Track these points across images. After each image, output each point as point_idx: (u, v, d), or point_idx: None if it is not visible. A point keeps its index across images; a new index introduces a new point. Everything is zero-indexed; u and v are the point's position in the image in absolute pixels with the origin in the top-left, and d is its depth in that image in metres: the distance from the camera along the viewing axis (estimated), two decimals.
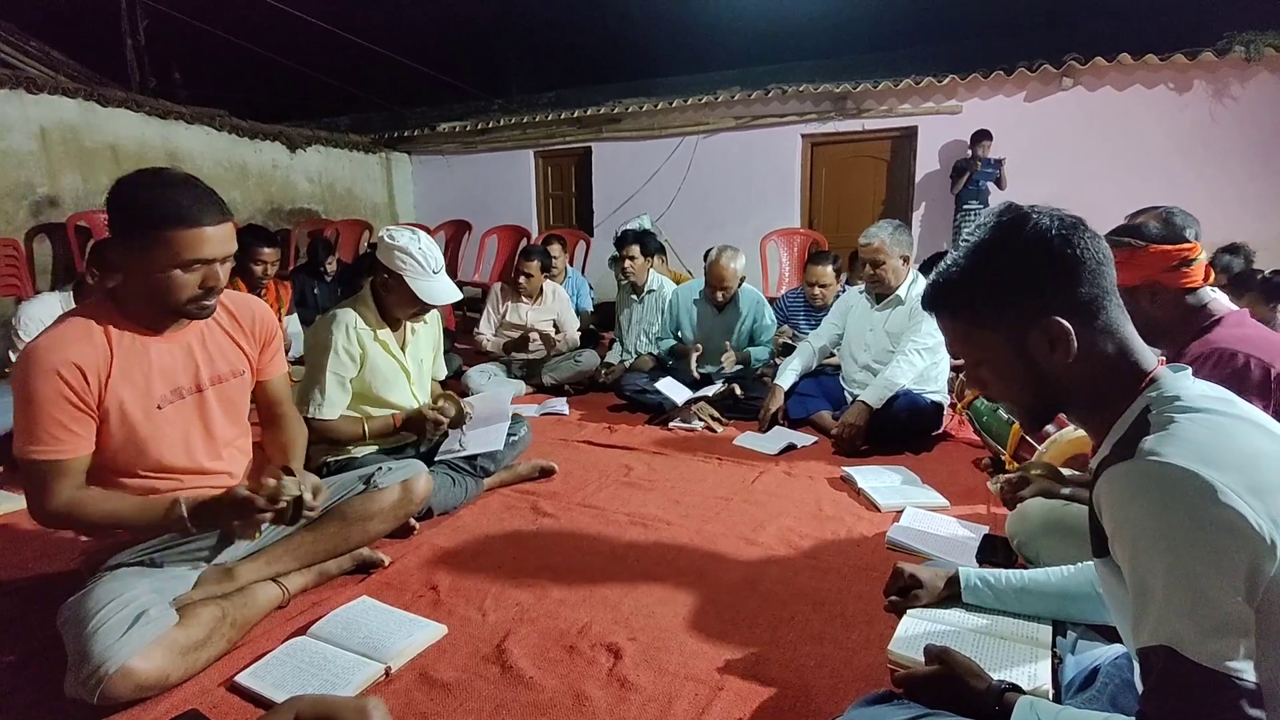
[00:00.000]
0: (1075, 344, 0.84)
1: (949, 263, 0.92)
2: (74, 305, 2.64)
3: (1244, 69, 5.40)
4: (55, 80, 5.46)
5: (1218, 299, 1.61)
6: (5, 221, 4.93)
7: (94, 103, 5.47)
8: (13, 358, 2.57)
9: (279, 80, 10.07)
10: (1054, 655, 1.15)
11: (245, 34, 8.87)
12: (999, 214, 0.89)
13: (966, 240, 0.91)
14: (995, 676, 0.97)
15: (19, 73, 5.36)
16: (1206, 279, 1.61)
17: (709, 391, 3.42)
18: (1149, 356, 0.88)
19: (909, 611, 1.28)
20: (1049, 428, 2.37)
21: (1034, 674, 1.08)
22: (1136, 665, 0.93)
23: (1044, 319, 0.84)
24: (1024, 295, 0.86)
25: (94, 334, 1.40)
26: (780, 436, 3.04)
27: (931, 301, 0.94)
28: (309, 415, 2.06)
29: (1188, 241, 1.56)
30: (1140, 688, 0.91)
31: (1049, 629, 1.18)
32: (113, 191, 1.36)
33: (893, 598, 1.35)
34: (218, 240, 1.39)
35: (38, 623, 1.58)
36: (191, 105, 6.50)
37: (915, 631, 1.23)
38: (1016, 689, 0.92)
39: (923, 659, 1.04)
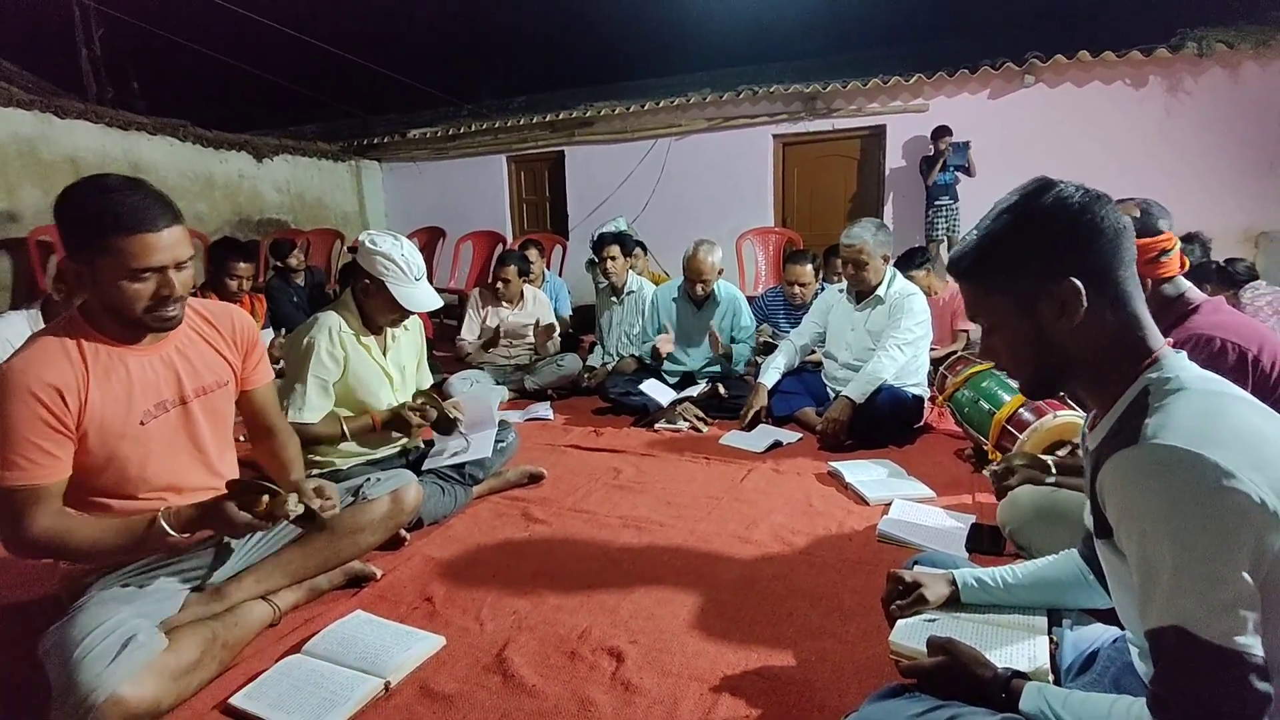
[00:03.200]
0: (1084, 308, 0.85)
1: (974, 228, 0.94)
2: (43, 323, 2.57)
3: (1196, 65, 5.58)
4: (9, 92, 5.28)
5: (1193, 287, 1.66)
6: None
7: (51, 115, 5.31)
8: None
9: (243, 88, 9.87)
10: (1051, 640, 1.17)
11: (205, 41, 8.67)
12: (1028, 183, 0.91)
13: (995, 207, 0.93)
14: (995, 659, 0.99)
15: None
16: (1181, 268, 1.66)
17: (693, 392, 3.43)
18: (1156, 336, 0.89)
19: None
20: (1028, 416, 2.43)
21: (1033, 655, 1.10)
22: (1135, 649, 0.95)
23: (1055, 282, 0.86)
24: (1038, 257, 0.87)
25: (69, 352, 1.35)
26: (766, 434, 3.06)
27: (955, 266, 0.96)
28: (288, 419, 2.02)
29: (1162, 233, 1.61)
30: (1141, 668, 0.93)
31: (1044, 617, 1.20)
32: (57, 202, 1.31)
33: (896, 604, 1.26)
34: (165, 246, 1.31)
35: (18, 653, 1.52)
36: (152, 115, 6.34)
37: (913, 622, 1.24)
38: (1021, 675, 0.94)
39: (923, 649, 1.06)
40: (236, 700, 1.35)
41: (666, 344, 3.68)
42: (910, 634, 1.19)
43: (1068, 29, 6.90)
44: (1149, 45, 5.64)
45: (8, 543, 1.34)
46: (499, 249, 6.93)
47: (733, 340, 3.75)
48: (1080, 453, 2.01)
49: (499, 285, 4.08)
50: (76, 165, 5.44)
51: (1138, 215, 1.52)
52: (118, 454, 1.40)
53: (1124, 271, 0.87)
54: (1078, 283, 0.85)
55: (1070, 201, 0.87)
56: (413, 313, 2.22)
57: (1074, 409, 2.39)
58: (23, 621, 1.65)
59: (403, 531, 2.03)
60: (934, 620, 1.22)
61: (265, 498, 1.38)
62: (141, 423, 1.43)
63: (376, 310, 2.19)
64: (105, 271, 1.30)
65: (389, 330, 2.29)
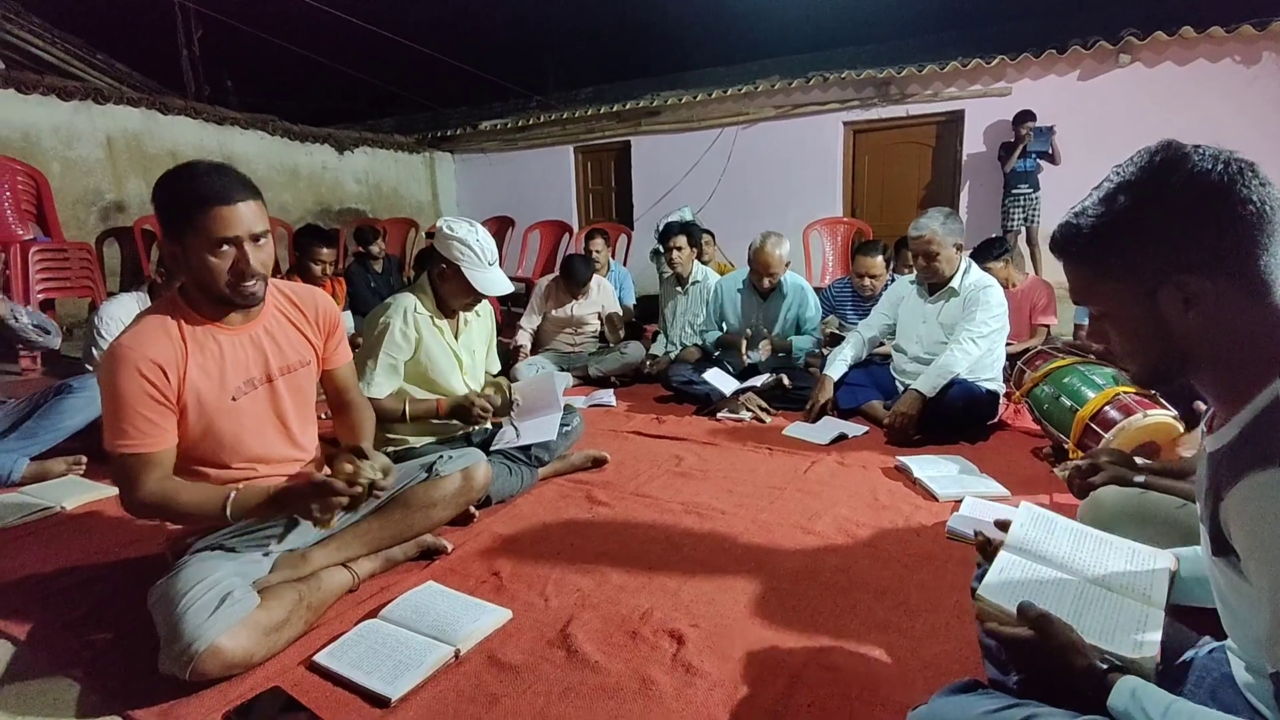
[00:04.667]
0: (1213, 305, 0.75)
1: (1085, 202, 0.82)
2: (149, 304, 2.77)
3: None
4: (120, 91, 5.71)
5: None
6: (77, 227, 5.18)
7: (155, 111, 5.72)
8: (96, 355, 2.70)
9: (325, 84, 10.34)
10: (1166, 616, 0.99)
11: (292, 40, 9.12)
12: (1152, 151, 0.78)
13: (1111, 180, 0.81)
14: (1097, 633, 0.89)
15: (87, 85, 5.62)
16: None
17: (756, 382, 3.40)
18: None
19: (1003, 551, 1.12)
20: (1115, 414, 2.30)
21: (1140, 642, 0.92)
22: (1240, 661, 0.87)
23: (1181, 276, 0.75)
24: (1161, 246, 0.76)
25: (170, 330, 1.46)
26: (831, 426, 3.01)
27: (1058, 245, 0.85)
28: None
29: None
30: (1244, 679, 0.86)
31: (1165, 584, 1.02)
32: (153, 191, 1.42)
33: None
34: (237, 217, 1.38)
35: (128, 604, 1.67)
36: (244, 111, 6.73)
37: (1011, 577, 1.08)
38: (1119, 670, 0.84)
39: (1013, 609, 0.94)
40: (320, 658, 1.43)
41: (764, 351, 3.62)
42: (1003, 591, 1.04)
43: (1168, 3, 6.43)
44: (1263, 19, 5.20)
45: (124, 503, 1.46)
46: (566, 239, 7.04)
47: (798, 331, 3.70)
48: (1177, 458, 1.87)
49: (580, 296, 4.20)
50: (176, 158, 5.82)
51: None
52: (213, 427, 1.51)
53: (1268, 258, 0.73)
54: (1207, 283, 0.74)
55: (1208, 180, 0.73)
56: (485, 296, 2.29)
57: (1166, 408, 2.25)
58: (133, 576, 1.80)
59: (472, 509, 2.10)
60: (1035, 580, 1.06)
61: (347, 465, 1.47)
62: (233, 399, 1.53)
63: (451, 294, 2.27)
64: (192, 248, 1.39)
65: (462, 315, 2.37)
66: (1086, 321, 0.97)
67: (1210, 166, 0.74)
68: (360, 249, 5.22)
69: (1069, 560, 1.10)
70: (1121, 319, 0.83)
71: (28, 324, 2.78)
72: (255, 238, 1.43)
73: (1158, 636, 0.92)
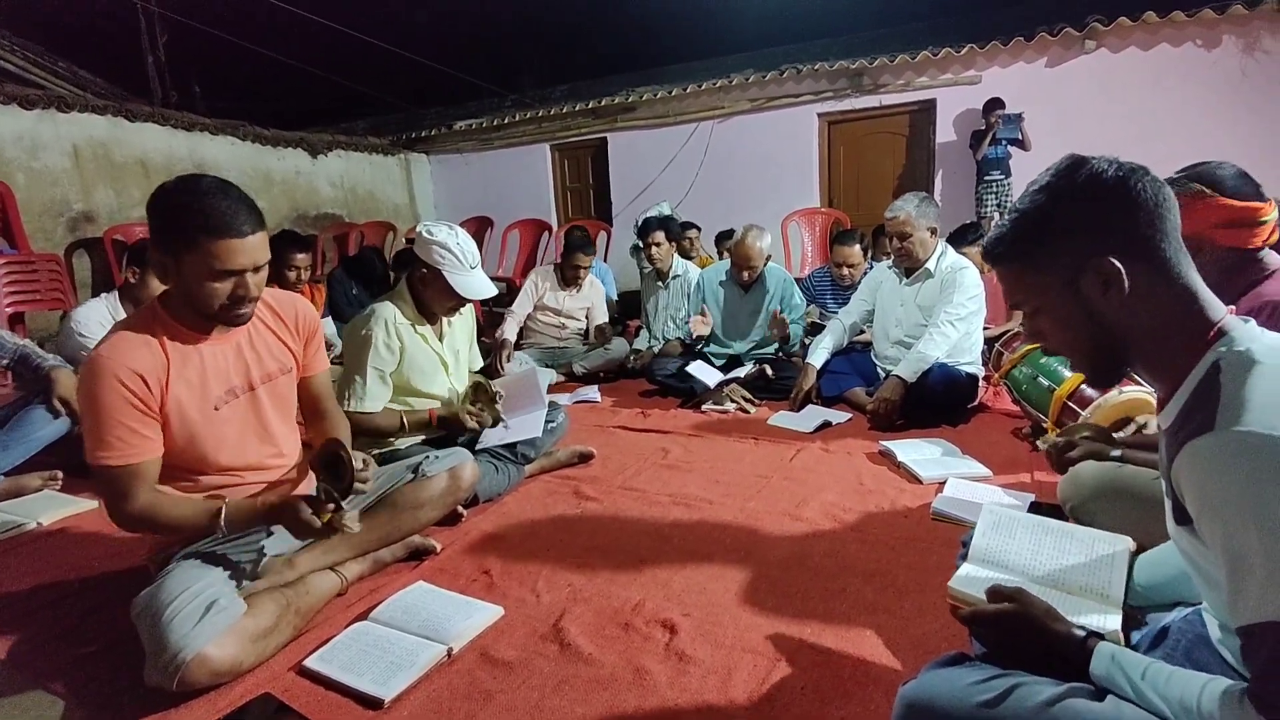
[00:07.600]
0: (1128, 284, 0.83)
1: (1008, 211, 0.93)
2: (120, 307, 2.72)
3: (1276, 20, 5.23)
4: (84, 98, 5.57)
5: (1269, 252, 1.56)
6: (45, 238, 5.06)
7: (122, 118, 5.58)
8: (85, 356, 2.64)
9: (295, 87, 10.17)
10: (1126, 609, 1.10)
11: (259, 42, 8.97)
12: (1059, 161, 0.90)
13: (1028, 190, 0.91)
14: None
15: (49, 93, 5.49)
16: (1267, 240, 1.54)
17: (740, 373, 3.42)
18: (1216, 306, 0.84)
19: (966, 564, 1.26)
20: (1092, 392, 2.34)
21: (1103, 623, 1.03)
22: (1215, 621, 0.91)
23: (1095, 259, 0.84)
24: (1076, 235, 0.86)
25: (150, 341, 1.43)
26: (815, 414, 3.04)
27: (989, 252, 0.94)
28: (349, 409, 2.09)
29: (1264, 200, 1.47)
30: (1218, 636, 0.89)
31: (1121, 584, 1.12)
32: (151, 198, 1.38)
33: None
34: (248, 251, 1.37)
35: (111, 617, 1.65)
36: (213, 117, 6.61)
37: (976, 575, 1.22)
38: (1098, 635, 0.90)
39: (984, 597, 1.02)
40: (310, 663, 1.42)
41: (701, 325, 3.62)
42: (972, 583, 1.16)
43: None
44: (1222, 2, 5.31)
45: (112, 516, 1.43)
46: (545, 237, 7.01)
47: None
48: (1150, 431, 1.92)
49: (580, 273, 4.19)
50: (146, 166, 5.72)
51: (1236, 177, 1.42)
52: (195, 437, 1.48)
53: (1168, 243, 0.84)
54: (1117, 263, 0.82)
55: (1104, 176, 0.84)
56: (469, 300, 2.27)
57: (1140, 384, 2.30)
58: (115, 589, 1.77)
59: (460, 508, 2.09)
60: (997, 579, 1.17)
61: (330, 506, 1.45)
62: (215, 408, 1.50)
63: (434, 299, 2.24)
64: (189, 268, 1.36)
65: (443, 317, 2.35)
66: None
67: (1105, 167, 0.86)
68: (363, 268, 5.02)
69: (1030, 565, 1.22)
70: (1053, 311, 0.90)
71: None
72: (258, 268, 1.42)
73: (1118, 620, 1.04)
